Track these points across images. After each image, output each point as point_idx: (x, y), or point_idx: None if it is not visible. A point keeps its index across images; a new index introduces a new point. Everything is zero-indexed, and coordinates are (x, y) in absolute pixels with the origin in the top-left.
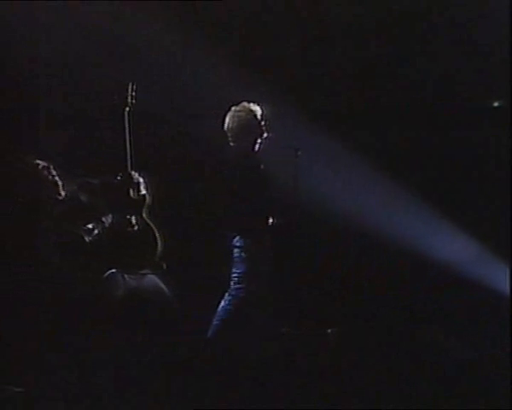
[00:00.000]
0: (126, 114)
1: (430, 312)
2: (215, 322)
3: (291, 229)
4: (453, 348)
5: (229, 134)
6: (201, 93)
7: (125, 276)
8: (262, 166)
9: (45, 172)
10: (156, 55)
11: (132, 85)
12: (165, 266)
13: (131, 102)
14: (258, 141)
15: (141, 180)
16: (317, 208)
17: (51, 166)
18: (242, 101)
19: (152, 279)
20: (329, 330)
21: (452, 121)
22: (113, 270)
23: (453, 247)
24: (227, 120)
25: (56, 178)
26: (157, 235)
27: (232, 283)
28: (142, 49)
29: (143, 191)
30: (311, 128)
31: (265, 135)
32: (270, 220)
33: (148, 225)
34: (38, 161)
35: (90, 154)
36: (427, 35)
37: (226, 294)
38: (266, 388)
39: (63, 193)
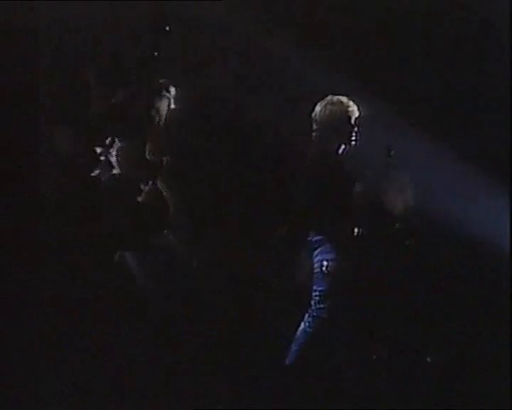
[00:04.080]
0: None
1: None
2: (294, 348)
3: (380, 240)
4: None
5: (314, 125)
6: (298, 85)
7: (137, 254)
8: (347, 168)
9: None
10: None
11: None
12: (172, 237)
13: None
14: (343, 147)
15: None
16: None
17: None
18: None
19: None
20: (429, 359)
21: None
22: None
23: None
24: (317, 108)
25: None
26: (168, 202)
27: (313, 302)
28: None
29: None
30: (405, 126)
31: (353, 143)
32: (356, 230)
33: (160, 192)
34: None
35: None
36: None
37: (306, 315)
38: None
39: None
